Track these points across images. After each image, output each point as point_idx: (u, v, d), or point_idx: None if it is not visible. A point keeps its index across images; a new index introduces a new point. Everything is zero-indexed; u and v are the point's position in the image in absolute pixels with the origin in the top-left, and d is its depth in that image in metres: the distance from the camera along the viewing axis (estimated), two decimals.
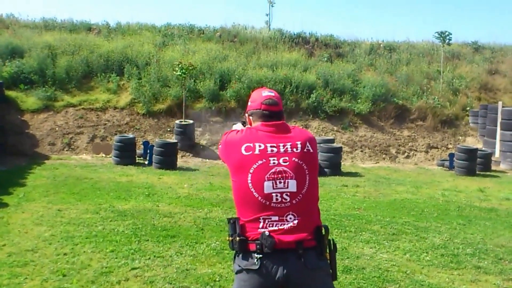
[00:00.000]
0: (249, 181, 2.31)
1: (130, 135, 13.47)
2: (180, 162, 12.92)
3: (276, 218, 2.27)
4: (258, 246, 2.24)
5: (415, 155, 15.42)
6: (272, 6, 22.43)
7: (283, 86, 16.41)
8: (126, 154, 12.46)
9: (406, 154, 15.42)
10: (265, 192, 2.28)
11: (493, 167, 14.11)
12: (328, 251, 2.37)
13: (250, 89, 16.05)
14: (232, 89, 16.22)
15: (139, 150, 13.34)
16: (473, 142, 16.06)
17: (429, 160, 15.20)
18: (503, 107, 15.45)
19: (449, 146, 15.78)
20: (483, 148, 14.99)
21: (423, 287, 4.81)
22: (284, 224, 2.27)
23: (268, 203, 2.28)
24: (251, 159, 2.33)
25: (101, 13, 67.86)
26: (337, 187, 10.52)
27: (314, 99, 16.36)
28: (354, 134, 15.90)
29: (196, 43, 19.49)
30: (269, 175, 2.30)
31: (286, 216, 2.28)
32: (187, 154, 14.25)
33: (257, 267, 2.24)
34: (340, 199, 9.22)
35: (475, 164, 13.17)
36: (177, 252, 5.60)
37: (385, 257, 5.75)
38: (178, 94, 15.58)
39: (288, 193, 2.28)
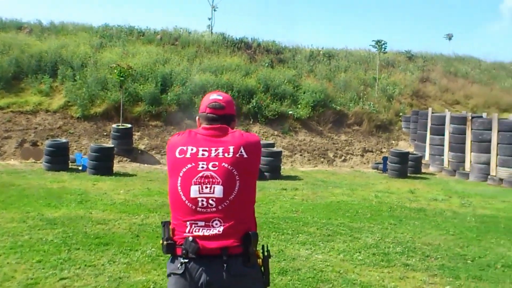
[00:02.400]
0: (179, 185, 2.27)
1: (63, 140, 13.01)
2: (117, 167, 12.61)
3: (203, 223, 2.21)
4: (183, 251, 2.19)
5: (352, 158, 15.84)
6: (214, 10, 22.46)
7: (225, 91, 16.38)
8: (58, 159, 11.97)
9: (343, 157, 15.82)
10: (191, 196, 2.23)
11: (423, 170, 14.75)
12: (262, 257, 2.34)
13: (193, 93, 15.99)
14: (173, 92, 16.04)
15: (72, 155, 12.89)
16: (405, 146, 16.71)
17: (364, 163, 15.66)
18: (432, 113, 16.18)
19: (383, 150, 16.33)
20: (414, 152, 15.64)
21: (355, 286, 4.92)
22: (209, 230, 2.20)
23: (194, 207, 2.23)
24: (182, 162, 2.29)
25: (33, 11, 65.37)
26: (276, 191, 10.61)
27: (254, 103, 16.47)
28: (294, 139, 16.13)
29: (136, 45, 19.15)
30: (196, 179, 2.24)
31: (212, 222, 2.21)
32: (125, 159, 13.93)
33: (181, 271, 2.19)
34: (279, 202, 9.29)
35: (407, 167, 13.71)
36: (110, 260, 5.41)
37: (320, 257, 5.84)
38: (116, 97, 15.21)
39: (214, 199, 2.22)
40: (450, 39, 25.69)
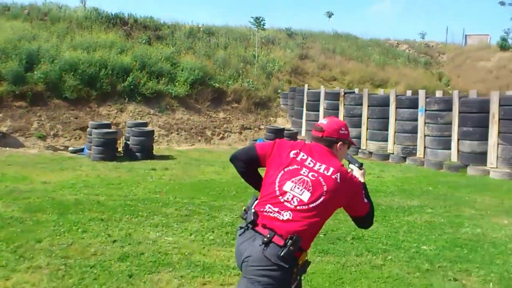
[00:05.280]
0: (278, 176, 2.65)
1: None
2: None
3: (277, 209, 2.56)
4: (247, 218, 2.60)
5: (230, 136, 15.77)
6: None
7: (98, 68, 15.46)
8: None
9: (221, 135, 15.69)
10: (283, 189, 2.60)
11: None
12: (298, 265, 2.56)
13: (62, 71, 14.92)
14: (41, 71, 14.77)
15: None
16: (283, 122, 16.98)
17: (242, 140, 15.66)
18: (308, 89, 16.54)
19: (261, 126, 16.44)
20: (291, 128, 15.91)
21: (197, 267, 4.69)
22: (277, 215, 2.54)
23: (280, 197, 2.59)
24: (291, 162, 2.69)
25: None
26: (145, 171, 10.16)
27: (130, 81, 15.72)
28: (170, 117, 15.66)
29: (0, 21, 17.41)
30: (295, 179, 2.62)
31: (284, 212, 2.54)
32: None
33: (239, 234, 2.63)
34: (144, 183, 8.86)
35: None
36: None
37: (170, 239, 5.55)
38: None
39: (299, 199, 2.56)
40: (330, 17, 26.46)
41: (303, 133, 16.16)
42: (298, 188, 2.59)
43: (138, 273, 4.54)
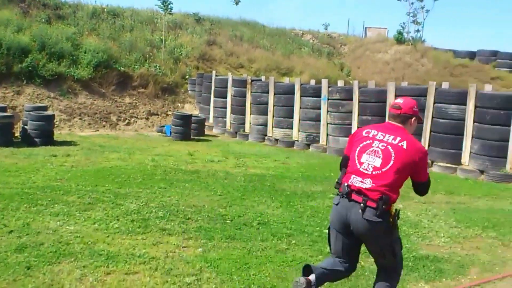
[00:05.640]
0: (357, 151, 3.38)
1: None
2: None
3: (360, 179, 3.25)
4: (340, 192, 3.31)
5: (136, 122, 15.40)
6: None
7: None
8: None
9: (127, 121, 15.28)
10: (361, 160, 3.31)
11: (207, 132, 15.06)
12: (392, 217, 3.24)
13: None
14: None
15: None
16: (191, 108, 16.87)
17: (149, 126, 15.37)
18: (216, 76, 16.54)
19: (169, 112, 16.22)
20: (199, 114, 15.87)
21: (100, 257, 4.57)
22: (362, 183, 3.23)
23: (359, 167, 3.28)
24: (364, 139, 3.40)
25: None
26: (45, 158, 9.67)
27: (28, 63, 14.76)
28: (73, 101, 14.96)
29: None
30: (369, 151, 3.31)
31: (365, 180, 3.23)
32: None
33: (336, 203, 3.35)
34: (44, 170, 8.44)
35: (190, 129, 13.81)
36: None
37: (71, 229, 5.35)
38: None
39: (373, 166, 3.24)
40: (237, 4, 26.46)
41: (211, 119, 16.18)
42: (371, 157, 3.27)
43: (36, 264, 4.34)
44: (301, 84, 13.99)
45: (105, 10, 20.46)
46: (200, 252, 4.93)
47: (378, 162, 3.22)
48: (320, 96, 13.33)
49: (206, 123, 15.52)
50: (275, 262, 4.79)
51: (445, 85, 11.92)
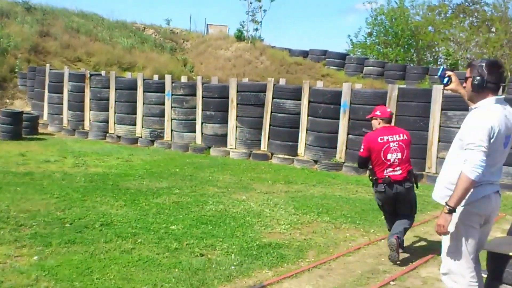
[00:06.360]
0: (382, 153, 5.11)
1: None
2: None
3: (391, 169, 5.10)
4: (383, 181, 5.11)
5: None
6: None
7: None
8: None
9: None
10: (387, 158, 5.11)
11: (41, 130, 13.95)
12: (414, 179, 5.25)
13: None
14: None
15: None
16: (22, 105, 15.48)
17: None
18: (51, 69, 15.39)
19: None
20: (31, 111, 14.61)
21: None
22: (395, 172, 5.10)
23: (389, 163, 5.11)
24: (383, 144, 5.12)
25: None
26: None
27: None
28: None
29: None
30: (390, 150, 5.11)
31: (396, 168, 5.10)
32: None
33: (382, 190, 5.15)
34: None
35: (21, 127, 12.67)
36: None
37: None
38: None
39: (398, 159, 5.10)
40: None
41: (45, 116, 15.00)
42: (395, 154, 5.10)
43: None
44: (144, 79, 13.67)
45: None
46: (35, 260, 4.52)
47: (399, 155, 5.11)
48: (164, 92, 13.17)
49: (40, 121, 14.32)
50: (120, 264, 4.59)
51: (282, 82, 12.60)
